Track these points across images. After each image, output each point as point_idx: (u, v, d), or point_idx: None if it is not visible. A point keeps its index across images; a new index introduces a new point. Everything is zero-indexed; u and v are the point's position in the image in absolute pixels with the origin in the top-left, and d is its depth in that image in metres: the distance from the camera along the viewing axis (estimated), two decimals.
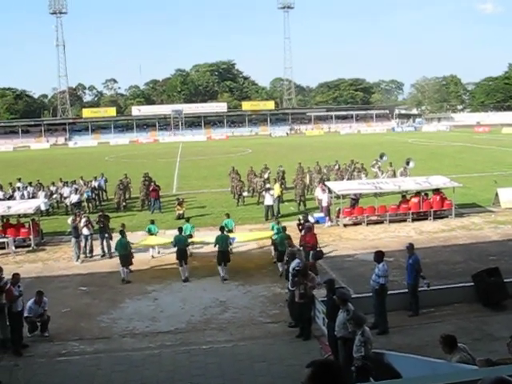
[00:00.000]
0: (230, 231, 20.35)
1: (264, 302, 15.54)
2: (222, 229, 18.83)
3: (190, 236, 20.23)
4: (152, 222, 22.26)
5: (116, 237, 20.14)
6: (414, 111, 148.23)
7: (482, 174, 38.27)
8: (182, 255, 18.02)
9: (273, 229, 19.83)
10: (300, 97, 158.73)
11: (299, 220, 20.43)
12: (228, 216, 22.08)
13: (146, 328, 13.96)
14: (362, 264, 18.40)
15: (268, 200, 26.68)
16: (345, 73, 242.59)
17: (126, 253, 18.39)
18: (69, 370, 11.77)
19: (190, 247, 19.73)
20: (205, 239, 20.29)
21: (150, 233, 21.64)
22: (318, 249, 18.03)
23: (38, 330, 13.74)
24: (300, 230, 19.25)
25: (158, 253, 21.22)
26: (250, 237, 21.68)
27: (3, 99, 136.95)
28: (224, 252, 17.87)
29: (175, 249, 18.47)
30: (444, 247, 20.73)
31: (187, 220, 22.15)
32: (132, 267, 18.87)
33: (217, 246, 18.03)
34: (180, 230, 18.95)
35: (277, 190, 27.81)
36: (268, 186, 28.44)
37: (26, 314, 13.50)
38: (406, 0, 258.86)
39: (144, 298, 16.33)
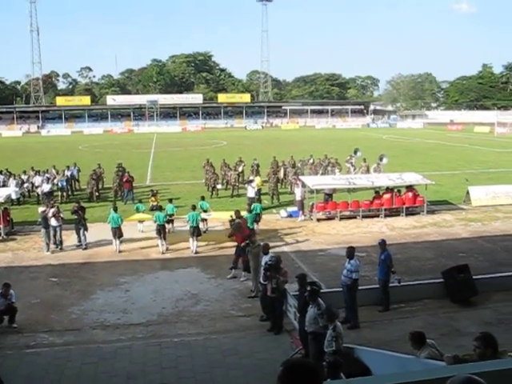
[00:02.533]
0: (205, 211, 22.42)
1: (236, 295, 15.57)
2: (194, 207, 20.74)
3: (171, 215, 22.07)
4: (140, 201, 25.23)
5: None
6: (389, 108, 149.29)
7: (453, 172, 38.78)
8: (161, 231, 20.26)
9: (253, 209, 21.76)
10: (276, 90, 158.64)
11: (231, 216, 20.20)
12: (203, 198, 23.61)
13: (117, 320, 13.87)
14: (334, 259, 18.53)
15: (250, 192, 26.92)
16: (321, 67, 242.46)
17: (117, 226, 20.30)
18: (38, 361, 11.65)
19: (170, 225, 22.32)
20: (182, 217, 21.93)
21: (138, 211, 23.49)
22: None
23: (6, 321, 13.55)
24: (231, 235, 18.97)
25: (142, 231, 23.02)
26: (223, 215, 22.97)
27: None
28: (195, 227, 19.98)
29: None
30: (415, 243, 20.98)
31: (170, 201, 23.32)
32: (104, 258, 18.87)
33: (189, 221, 20.04)
34: (160, 208, 21.87)
35: (258, 182, 27.98)
36: (252, 178, 28.58)
37: None
38: None
39: (116, 290, 16.23)
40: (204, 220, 22.40)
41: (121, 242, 20.70)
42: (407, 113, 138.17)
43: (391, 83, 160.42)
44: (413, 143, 67.51)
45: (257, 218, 21.96)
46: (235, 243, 17.91)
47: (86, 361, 11.57)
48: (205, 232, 21.91)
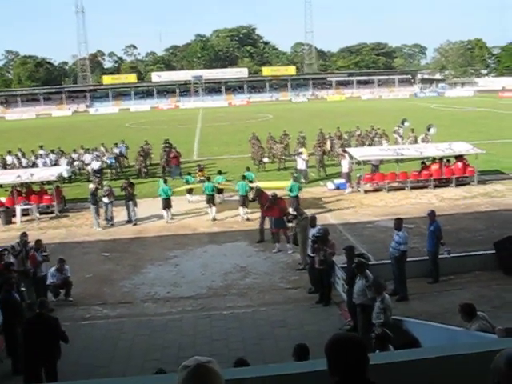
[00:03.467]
0: (251, 182, 22.56)
1: (284, 268, 15.65)
2: (243, 177, 22.03)
3: (219, 184, 23.28)
4: (189, 174, 26.57)
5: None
6: (437, 76, 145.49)
7: (505, 141, 37.63)
8: (210, 200, 21.58)
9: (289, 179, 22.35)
10: (321, 62, 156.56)
11: (256, 189, 19.93)
12: (248, 169, 24.45)
13: (167, 293, 14.15)
14: (382, 230, 18.37)
15: (300, 164, 27.17)
16: (367, 37, 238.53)
17: (167, 197, 21.50)
18: (93, 333, 12.06)
19: (220, 195, 23.85)
20: (231, 187, 23.25)
21: (187, 183, 24.91)
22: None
23: (62, 294, 14.01)
24: (252, 200, 19.88)
25: (191, 201, 24.44)
26: (270, 185, 23.40)
27: (24, 67, 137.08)
28: (244, 196, 21.15)
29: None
30: (465, 214, 20.57)
31: (219, 173, 24.61)
32: (153, 233, 19.29)
33: (238, 190, 21.43)
34: (208, 179, 22.60)
35: (305, 154, 28.04)
36: (300, 150, 28.65)
37: (48, 282, 13.76)
38: None
39: (165, 264, 16.54)
40: (221, 191, 23.72)
41: (171, 215, 21.81)
42: (456, 81, 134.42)
43: (439, 51, 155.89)
44: (462, 112, 65.81)
45: (295, 201, 20.84)
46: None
47: (139, 333, 11.89)
48: (220, 203, 23.23)
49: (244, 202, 21.22)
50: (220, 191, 23.61)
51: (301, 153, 27.75)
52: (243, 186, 21.30)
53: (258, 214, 19.19)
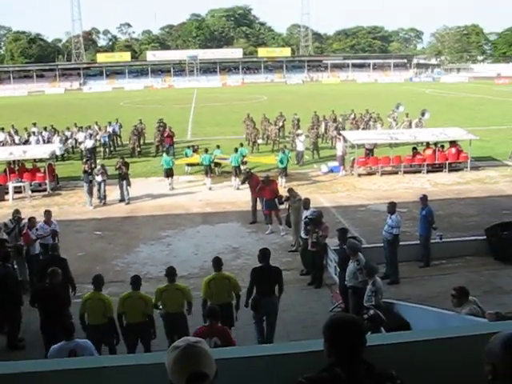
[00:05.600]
0: (244, 157, 24.50)
1: (276, 250, 15.63)
2: (236, 150, 23.92)
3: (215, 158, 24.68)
4: (188, 147, 27.64)
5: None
6: (433, 61, 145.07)
7: (500, 127, 37.74)
8: (207, 171, 23.42)
9: (276, 155, 24.86)
10: (317, 44, 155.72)
11: (246, 171, 20.28)
12: (242, 145, 25.85)
13: (159, 273, 14.10)
14: (374, 214, 18.46)
15: (299, 146, 27.52)
16: (363, 20, 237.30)
17: (169, 167, 23.10)
18: None
19: (217, 168, 25.62)
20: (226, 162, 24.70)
21: (186, 156, 26.56)
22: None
23: None
24: (243, 182, 20.15)
25: (189, 173, 26.29)
26: (261, 159, 26.48)
27: (17, 43, 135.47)
28: (237, 166, 23.11)
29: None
30: (458, 200, 20.67)
31: (218, 147, 26.09)
32: (146, 213, 19.32)
33: (231, 162, 23.32)
34: (206, 151, 24.18)
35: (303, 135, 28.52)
36: (299, 131, 28.95)
37: (36, 234, 13.59)
38: None
39: (158, 244, 16.55)
40: (218, 165, 25.51)
41: (170, 183, 23.33)
42: (452, 66, 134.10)
43: (435, 36, 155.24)
44: (457, 98, 65.78)
45: (284, 172, 23.13)
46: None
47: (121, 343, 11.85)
48: (217, 175, 25.31)
49: (236, 172, 23.07)
50: (217, 164, 25.32)
51: (299, 134, 27.83)
52: (236, 158, 23.31)
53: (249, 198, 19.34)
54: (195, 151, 27.17)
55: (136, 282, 9.67)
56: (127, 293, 9.72)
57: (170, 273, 9.87)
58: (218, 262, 10.14)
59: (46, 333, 9.55)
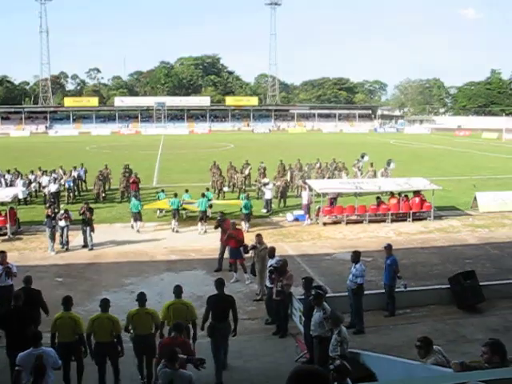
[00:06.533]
0: (210, 200, 25.44)
1: (241, 298, 15.50)
2: (203, 195, 24.37)
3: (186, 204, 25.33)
4: (162, 190, 28.27)
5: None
6: (397, 112, 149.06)
7: (461, 178, 38.65)
8: (175, 214, 23.86)
9: (241, 198, 25.06)
10: (284, 94, 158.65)
11: (219, 217, 20.16)
12: (207, 190, 27.02)
13: (122, 321, 13.78)
14: (340, 263, 18.46)
15: (267, 194, 27.69)
16: (329, 72, 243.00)
17: (137, 211, 23.55)
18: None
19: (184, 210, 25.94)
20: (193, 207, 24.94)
21: (159, 199, 27.05)
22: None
23: None
24: (216, 227, 19.81)
25: (160, 216, 26.73)
26: (226, 202, 27.61)
27: None
28: (204, 211, 23.63)
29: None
30: (422, 249, 20.89)
31: (186, 191, 26.73)
32: (109, 259, 19.05)
33: (198, 207, 23.66)
34: (176, 195, 24.69)
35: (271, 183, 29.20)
36: (266, 180, 29.44)
37: None
38: (392, 3, 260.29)
39: (121, 291, 16.21)
40: (210, 207, 25.50)
41: (140, 227, 23.71)
42: (415, 118, 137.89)
43: (399, 88, 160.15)
44: (420, 148, 67.33)
45: (247, 217, 23.54)
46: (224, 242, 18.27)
47: (91, 362, 11.52)
48: (184, 219, 25.64)
49: (202, 217, 23.53)
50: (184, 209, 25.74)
51: (267, 183, 28.00)
52: (203, 203, 23.70)
53: (215, 247, 19.24)
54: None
55: (105, 304, 10.48)
56: (96, 314, 10.57)
57: (140, 298, 10.70)
58: (178, 290, 11.17)
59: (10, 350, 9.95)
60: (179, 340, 9.02)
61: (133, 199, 24.74)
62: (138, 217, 23.63)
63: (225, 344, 11.28)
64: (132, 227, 23.77)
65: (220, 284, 11.42)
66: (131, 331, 10.61)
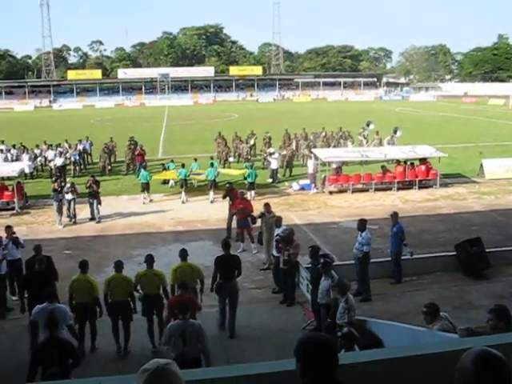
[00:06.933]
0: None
1: (248, 268, 15.60)
2: (211, 164, 24.98)
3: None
4: (171, 161, 28.48)
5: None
6: (402, 80, 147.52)
7: (467, 145, 38.46)
8: (183, 184, 24.29)
9: (245, 167, 25.64)
10: (288, 63, 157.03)
11: (227, 186, 20.31)
12: (212, 158, 27.42)
13: None
14: (346, 231, 18.52)
15: (273, 164, 27.65)
16: (334, 39, 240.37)
17: (146, 181, 23.84)
18: None
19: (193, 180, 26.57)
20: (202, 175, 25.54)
21: (168, 169, 27.10)
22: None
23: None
24: (224, 197, 20.07)
25: (171, 186, 26.77)
26: (231, 172, 27.10)
27: None
28: (213, 180, 23.86)
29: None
30: (428, 216, 20.92)
31: (195, 160, 27.37)
32: (117, 232, 19.17)
33: (207, 176, 24.12)
34: (183, 165, 24.98)
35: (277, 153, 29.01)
36: (272, 150, 29.34)
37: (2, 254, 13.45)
38: None
39: (129, 263, 16.26)
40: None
41: (147, 197, 24.10)
42: (420, 85, 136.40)
43: (404, 55, 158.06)
44: (426, 116, 66.88)
45: (252, 186, 23.87)
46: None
47: (101, 332, 11.68)
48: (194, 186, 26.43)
49: (211, 186, 23.76)
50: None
51: (273, 153, 27.99)
52: (212, 172, 24.07)
53: (222, 217, 19.30)
54: (165, 169, 27.21)
55: (119, 265, 11.28)
56: (111, 275, 11.36)
57: (148, 260, 11.37)
58: (183, 253, 11.83)
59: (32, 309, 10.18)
60: (185, 297, 9.53)
61: (142, 170, 25.15)
62: (146, 187, 23.94)
63: (233, 306, 11.81)
64: (144, 198, 24.02)
65: (226, 245, 12.16)
66: (140, 291, 11.17)
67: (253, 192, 23.70)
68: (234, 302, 11.81)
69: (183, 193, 24.14)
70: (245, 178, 24.24)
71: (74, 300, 10.83)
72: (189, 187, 25.02)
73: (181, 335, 8.23)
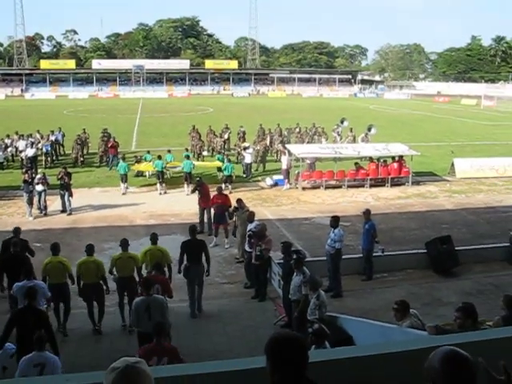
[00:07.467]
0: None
1: (220, 263, 15.62)
2: (187, 157, 24.95)
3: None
4: (148, 152, 28.40)
5: None
6: (377, 78, 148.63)
7: (439, 144, 38.93)
8: (160, 176, 24.24)
9: (220, 160, 26.50)
10: (264, 57, 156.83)
11: (197, 180, 20.20)
12: (187, 150, 27.79)
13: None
14: (318, 227, 18.61)
15: (247, 158, 27.59)
16: (310, 35, 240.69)
17: (125, 173, 23.88)
18: None
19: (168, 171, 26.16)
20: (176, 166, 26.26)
21: (145, 160, 27.08)
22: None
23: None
24: (193, 191, 20.41)
25: (149, 177, 26.82)
26: (205, 164, 28.03)
27: None
28: (188, 173, 24.06)
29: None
30: (400, 214, 21.14)
31: (169, 151, 27.96)
32: (88, 224, 19.02)
33: (183, 168, 24.29)
34: (160, 157, 25.24)
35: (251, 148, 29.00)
36: (246, 144, 29.39)
37: None
38: None
39: (100, 256, 16.07)
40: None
41: (127, 187, 24.38)
42: (395, 83, 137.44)
43: (379, 53, 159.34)
44: (400, 114, 67.50)
45: (229, 179, 24.20)
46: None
47: (70, 326, 11.59)
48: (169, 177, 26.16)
49: (187, 177, 24.02)
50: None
51: (247, 147, 27.95)
52: (188, 164, 24.19)
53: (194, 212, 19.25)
54: (138, 162, 27.02)
55: (90, 249, 11.69)
56: (83, 258, 11.76)
57: (123, 243, 11.83)
58: (154, 237, 12.27)
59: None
60: (159, 278, 10.49)
61: (120, 161, 25.11)
62: (125, 178, 24.03)
63: (200, 286, 12.50)
64: (126, 188, 24.32)
65: (192, 230, 12.82)
66: (115, 274, 11.69)
67: (229, 186, 23.73)
68: (201, 282, 12.52)
69: (159, 185, 24.21)
70: (220, 171, 24.46)
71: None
72: (165, 179, 24.94)
73: (146, 310, 8.92)
